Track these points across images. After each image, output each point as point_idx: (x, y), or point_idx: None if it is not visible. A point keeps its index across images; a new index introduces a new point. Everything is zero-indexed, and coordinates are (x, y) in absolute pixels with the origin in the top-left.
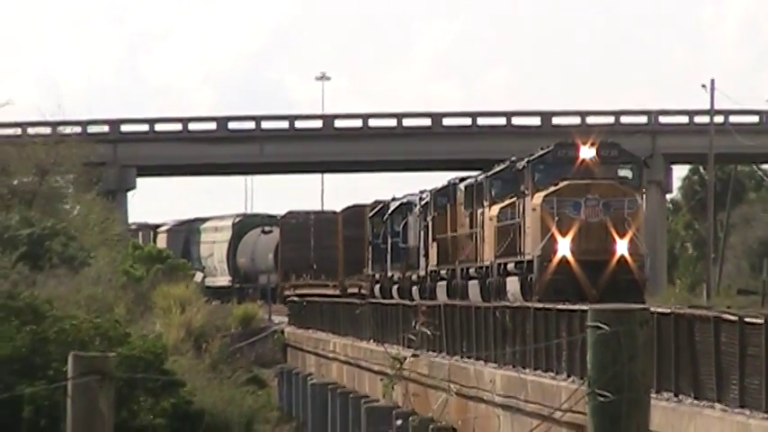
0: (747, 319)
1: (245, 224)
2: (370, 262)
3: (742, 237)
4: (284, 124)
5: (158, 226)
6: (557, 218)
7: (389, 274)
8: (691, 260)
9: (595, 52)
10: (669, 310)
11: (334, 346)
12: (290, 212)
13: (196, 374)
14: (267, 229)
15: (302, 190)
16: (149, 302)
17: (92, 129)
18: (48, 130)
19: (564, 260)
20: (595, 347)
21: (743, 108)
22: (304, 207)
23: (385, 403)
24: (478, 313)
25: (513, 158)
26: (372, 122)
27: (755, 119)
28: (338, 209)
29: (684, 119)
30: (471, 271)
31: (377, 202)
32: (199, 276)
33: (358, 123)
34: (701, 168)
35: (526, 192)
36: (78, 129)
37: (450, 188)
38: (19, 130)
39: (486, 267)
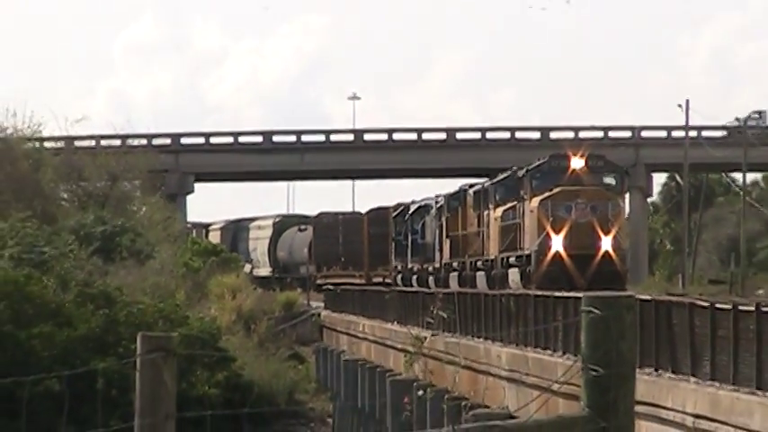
0: (717, 305)
1: (284, 223)
2: (393, 255)
3: (712, 234)
4: (321, 137)
5: (209, 224)
6: (551, 218)
7: (410, 265)
8: (668, 254)
9: (589, 76)
10: (650, 298)
11: (364, 327)
12: (321, 213)
13: (245, 351)
14: (302, 227)
15: (336, 193)
16: (205, 290)
17: (156, 141)
18: (118, 142)
19: (557, 254)
20: (588, 329)
21: (713, 124)
22: (338, 208)
23: (407, 377)
24: (486, 300)
25: (515, 168)
26: (396, 136)
27: (724, 133)
28: (365, 210)
29: (663, 133)
30: (479, 263)
31: (399, 205)
32: (247, 267)
33: (384, 137)
34: (677, 176)
35: (525, 196)
36: (144, 141)
37: (461, 193)
38: (93, 142)
39: (492, 260)
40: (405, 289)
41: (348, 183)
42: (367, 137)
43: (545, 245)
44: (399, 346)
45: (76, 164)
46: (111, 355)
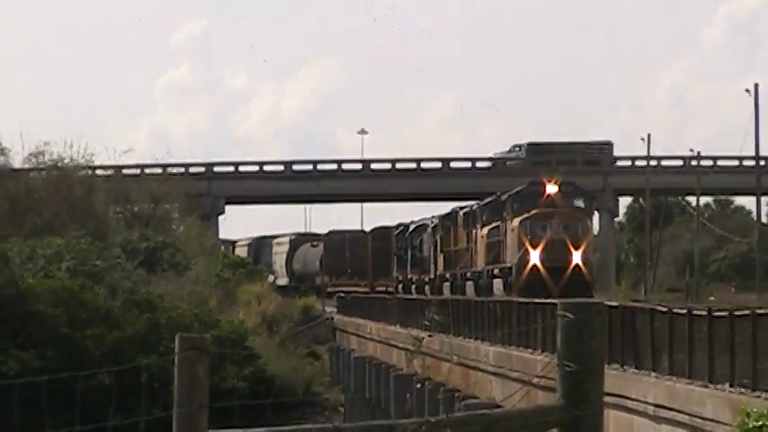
0: (675, 311)
1: (299, 240)
2: (395, 267)
3: (671, 249)
4: (333, 166)
5: (236, 241)
6: (529, 236)
7: (409, 276)
8: (632, 267)
9: (564, 114)
10: (617, 304)
11: (371, 329)
12: (331, 231)
13: (269, 350)
14: (315, 243)
15: (348, 214)
16: (234, 297)
17: (192, 169)
18: (159, 170)
19: (535, 266)
20: (563, 330)
21: (671, 155)
22: (348, 227)
23: (407, 372)
24: (475, 306)
25: (499, 193)
26: (398, 165)
27: (681, 162)
28: (369, 229)
29: (628, 162)
30: (468, 274)
31: (400, 224)
32: (271, 278)
33: (388, 166)
34: (640, 199)
35: (507, 217)
36: (182, 169)
37: (453, 214)
38: (138, 170)
39: (479, 272)
40: (405, 296)
41: (357, 205)
42: (373, 166)
43: (524, 258)
44: (401, 346)
45: (124, 189)
46: (153, 353)
